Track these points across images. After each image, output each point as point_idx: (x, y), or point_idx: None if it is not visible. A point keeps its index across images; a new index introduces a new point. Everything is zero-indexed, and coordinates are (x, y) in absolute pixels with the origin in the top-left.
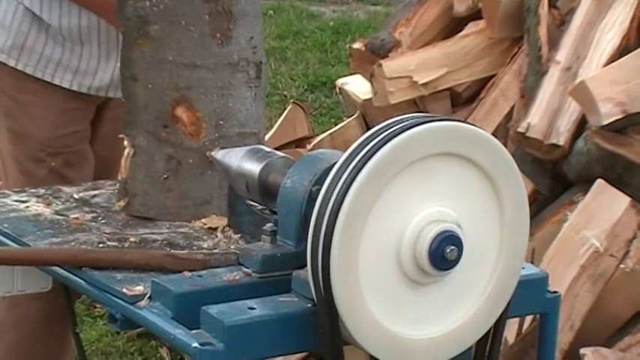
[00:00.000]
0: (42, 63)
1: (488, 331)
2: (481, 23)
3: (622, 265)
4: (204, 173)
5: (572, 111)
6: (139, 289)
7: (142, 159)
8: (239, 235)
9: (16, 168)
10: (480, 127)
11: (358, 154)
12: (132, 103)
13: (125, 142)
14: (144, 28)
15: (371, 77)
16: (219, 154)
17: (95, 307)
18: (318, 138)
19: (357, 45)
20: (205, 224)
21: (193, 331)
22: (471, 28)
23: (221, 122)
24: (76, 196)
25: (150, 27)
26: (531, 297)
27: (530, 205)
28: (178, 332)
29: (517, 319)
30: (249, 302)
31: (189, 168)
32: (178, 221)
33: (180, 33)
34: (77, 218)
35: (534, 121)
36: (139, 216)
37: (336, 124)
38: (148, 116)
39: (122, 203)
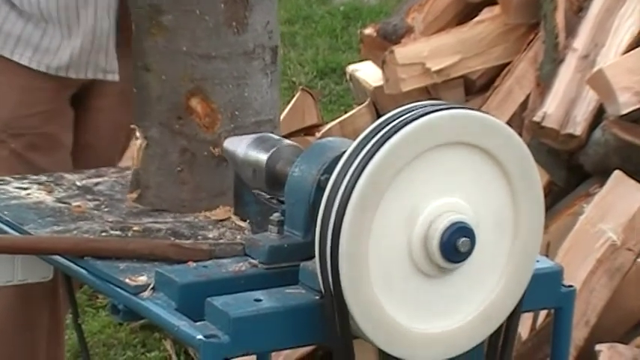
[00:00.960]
0: (1, 38)
1: (501, 326)
2: (496, 9)
3: (639, 260)
4: (219, 165)
5: (589, 100)
6: (143, 279)
7: (155, 151)
8: (246, 223)
9: None
10: (494, 116)
11: (368, 142)
12: (144, 94)
13: (137, 134)
14: (157, 18)
15: (382, 64)
16: (226, 142)
17: (97, 298)
18: (328, 126)
19: (368, 30)
20: (209, 217)
21: (198, 323)
22: (486, 13)
23: (236, 112)
24: (78, 183)
25: (163, 16)
26: (545, 291)
27: (545, 196)
28: (182, 324)
29: (531, 314)
30: (256, 294)
31: (203, 160)
32: (192, 213)
33: (194, 23)
34: (79, 206)
35: (550, 110)
36: (153, 209)
37: (345, 112)
38: (161, 107)
39: (134, 195)
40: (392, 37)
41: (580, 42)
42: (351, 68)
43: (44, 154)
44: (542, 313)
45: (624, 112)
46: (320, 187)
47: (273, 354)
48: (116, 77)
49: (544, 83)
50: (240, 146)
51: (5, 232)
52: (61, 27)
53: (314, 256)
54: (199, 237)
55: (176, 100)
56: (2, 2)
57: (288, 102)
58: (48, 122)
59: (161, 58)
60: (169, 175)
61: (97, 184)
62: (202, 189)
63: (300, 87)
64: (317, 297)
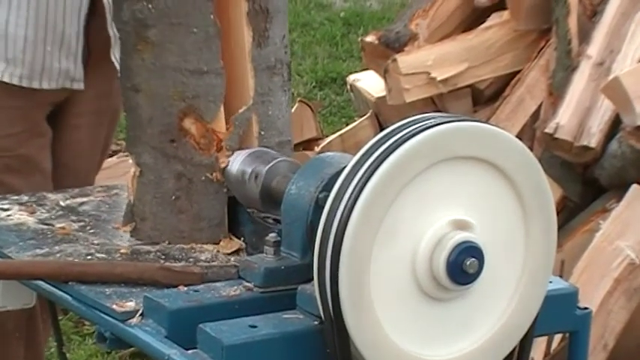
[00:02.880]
0: None
1: (513, 351)
2: (505, 14)
3: None
4: (219, 191)
5: (604, 110)
6: (130, 305)
7: (148, 178)
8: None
9: None
10: (502, 129)
11: (370, 157)
12: (135, 117)
13: (130, 161)
14: (143, 33)
15: (385, 73)
16: None
17: (84, 325)
18: (328, 139)
19: (369, 38)
20: (218, 251)
21: (190, 352)
22: (494, 19)
23: (262, 132)
24: (62, 203)
25: (149, 31)
26: (560, 314)
27: (558, 213)
28: (173, 352)
29: (545, 338)
30: (251, 320)
31: (201, 186)
32: (193, 244)
33: (182, 36)
34: (63, 228)
35: (563, 121)
36: (153, 242)
37: (347, 124)
38: (152, 130)
39: (128, 228)
40: (395, 45)
41: (594, 48)
42: (352, 78)
43: (21, 177)
44: (557, 337)
45: None
46: (318, 206)
47: None
48: (81, 86)
49: (556, 92)
50: (234, 162)
51: None
52: (27, 30)
53: (312, 279)
54: (190, 259)
55: (168, 122)
56: None
57: None
58: (23, 144)
59: (149, 76)
60: (165, 204)
61: (81, 204)
62: (202, 218)
63: (299, 98)
64: (316, 322)
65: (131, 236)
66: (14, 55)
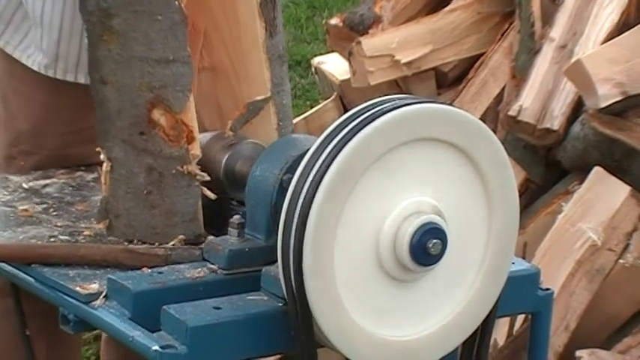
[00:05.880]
0: (16, 38)
1: (476, 332)
2: None
3: (621, 260)
4: (191, 185)
5: (567, 92)
6: (94, 287)
7: (120, 173)
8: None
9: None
10: (465, 111)
11: (333, 139)
12: (104, 110)
13: (101, 156)
14: (107, 23)
15: (349, 56)
16: None
17: None
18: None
19: (334, 21)
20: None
21: (154, 333)
22: (458, 2)
23: (280, 123)
24: (25, 185)
25: (113, 20)
26: (522, 295)
27: (521, 195)
28: (137, 334)
29: (507, 320)
30: (215, 301)
31: (172, 180)
32: (167, 242)
33: (146, 24)
34: (26, 210)
35: (526, 103)
36: (126, 239)
37: (311, 107)
38: (122, 123)
39: (101, 226)
40: (359, 28)
41: (557, 31)
42: (316, 61)
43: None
44: (520, 319)
45: (604, 104)
46: (282, 188)
47: None
48: None
49: (520, 75)
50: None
51: None
52: (63, 19)
53: (276, 261)
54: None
55: (136, 114)
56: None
57: None
58: (62, 145)
59: (116, 67)
60: (138, 199)
61: (45, 186)
62: (174, 213)
63: None
64: (280, 304)
65: (107, 235)
66: (48, 46)
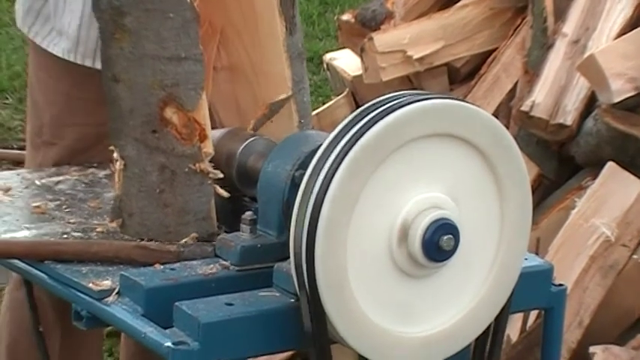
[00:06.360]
0: (45, 29)
1: (488, 328)
2: None
3: (635, 256)
4: (203, 183)
5: (580, 88)
6: (107, 283)
7: (133, 171)
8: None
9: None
10: (478, 106)
11: (345, 135)
12: (116, 108)
13: (114, 155)
14: (120, 21)
15: (361, 52)
16: None
17: None
18: None
19: (346, 17)
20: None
21: (166, 330)
22: None
23: (302, 121)
24: (38, 182)
25: (125, 18)
26: (535, 290)
27: (534, 190)
28: (149, 330)
29: (521, 316)
30: (227, 298)
31: (184, 178)
32: (180, 240)
33: (158, 22)
34: (39, 206)
35: (539, 99)
36: (139, 238)
37: (323, 104)
38: (134, 122)
39: (115, 224)
40: (371, 24)
41: (570, 26)
42: (328, 57)
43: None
44: (533, 314)
45: (617, 100)
46: (294, 184)
47: None
48: None
49: (532, 70)
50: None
51: None
52: (84, 4)
53: (289, 257)
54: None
55: (149, 112)
56: None
57: None
58: (83, 137)
59: (128, 65)
60: (151, 197)
61: (57, 182)
62: (187, 211)
63: None
64: (292, 300)
65: (121, 233)
66: (71, 30)
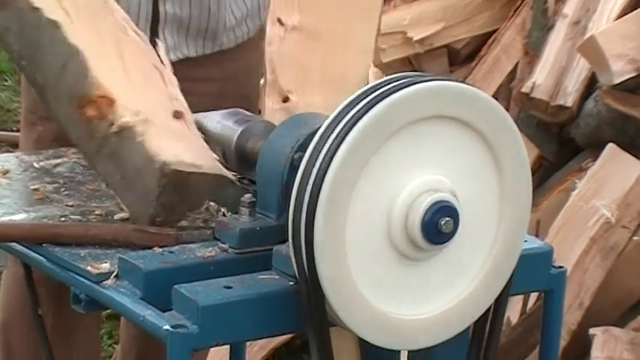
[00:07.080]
0: None
1: (488, 310)
2: None
3: (635, 237)
4: (133, 137)
5: (580, 69)
6: (105, 266)
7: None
8: (216, 208)
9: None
10: (478, 88)
11: (344, 117)
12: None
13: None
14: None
15: None
16: (197, 117)
17: None
18: None
19: None
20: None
21: (165, 313)
22: None
23: None
24: (36, 165)
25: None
26: (535, 273)
27: (534, 172)
28: (148, 314)
29: (520, 298)
30: (226, 280)
31: (121, 146)
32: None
33: None
34: (38, 189)
35: (539, 80)
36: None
37: None
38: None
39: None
40: None
41: (570, 7)
42: None
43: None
44: (533, 297)
45: (618, 81)
46: (293, 166)
47: (248, 344)
48: None
49: (532, 52)
50: (210, 121)
51: None
52: None
53: (288, 240)
54: None
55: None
56: None
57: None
58: None
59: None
60: (128, 188)
61: (56, 165)
62: (145, 165)
63: None
64: (291, 283)
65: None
66: None
